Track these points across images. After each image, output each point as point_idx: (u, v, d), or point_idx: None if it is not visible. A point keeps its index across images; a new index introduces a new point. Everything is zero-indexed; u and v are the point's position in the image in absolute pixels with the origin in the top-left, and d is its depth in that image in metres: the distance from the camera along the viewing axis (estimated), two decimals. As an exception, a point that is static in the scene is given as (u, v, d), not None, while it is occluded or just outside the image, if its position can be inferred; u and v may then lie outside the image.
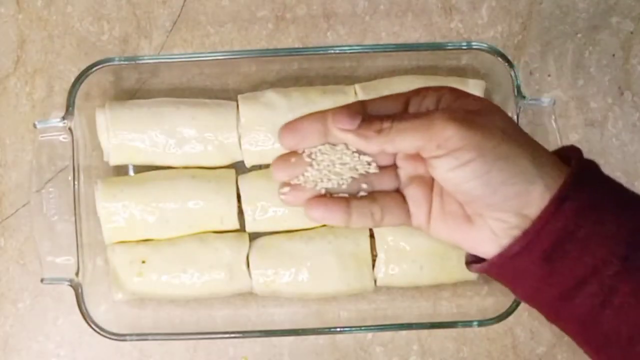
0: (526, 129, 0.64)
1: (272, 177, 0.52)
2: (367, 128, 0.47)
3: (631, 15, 0.73)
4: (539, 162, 0.46)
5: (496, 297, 0.70)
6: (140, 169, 0.70)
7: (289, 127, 0.49)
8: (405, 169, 0.51)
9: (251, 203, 0.67)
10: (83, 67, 0.65)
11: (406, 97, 0.49)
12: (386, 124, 0.46)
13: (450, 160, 0.45)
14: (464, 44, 0.65)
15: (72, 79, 0.65)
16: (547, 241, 0.45)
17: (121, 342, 0.69)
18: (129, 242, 0.68)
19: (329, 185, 0.50)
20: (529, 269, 0.46)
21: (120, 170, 0.71)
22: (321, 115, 0.49)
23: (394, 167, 0.52)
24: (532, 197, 0.45)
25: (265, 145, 0.66)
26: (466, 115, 0.45)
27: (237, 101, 0.67)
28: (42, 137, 0.65)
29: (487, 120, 0.46)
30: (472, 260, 0.50)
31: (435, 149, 0.45)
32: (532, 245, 0.45)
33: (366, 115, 0.48)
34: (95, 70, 0.65)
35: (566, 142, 0.70)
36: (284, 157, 0.51)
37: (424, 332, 0.72)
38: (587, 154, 0.48)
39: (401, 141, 0.46)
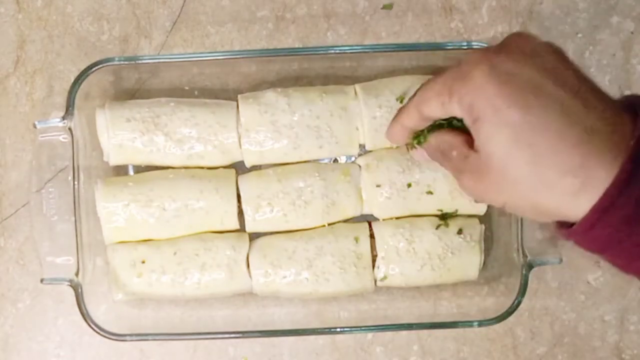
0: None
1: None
2: None
3: (631, 15, 0.73)
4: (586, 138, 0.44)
5: (496, 297, 0.70)
6: (140, 169, 0.70)
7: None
8: None
9: (251, 203, 0.67)
10: (83, 67, 0.65)
11: None
12: None
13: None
14: (464, 44, 0.65)
15: (72, 79, 0.65)
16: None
17: (121, 342, 0.69)
18: (129, 242, 0.68)
19: None
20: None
21: (120, 170, 0.71)
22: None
23: None
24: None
25: (265, 145, 0.66)
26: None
27: (237, 101, 0.67)
28: (42, 137, 0.65)
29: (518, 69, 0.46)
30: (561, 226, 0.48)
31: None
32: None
33: None
34: (95, 70, 0.65)
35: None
36: None
37: (424, 332, 0.72)
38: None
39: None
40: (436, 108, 0.51)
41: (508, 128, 0.45)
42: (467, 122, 0.49)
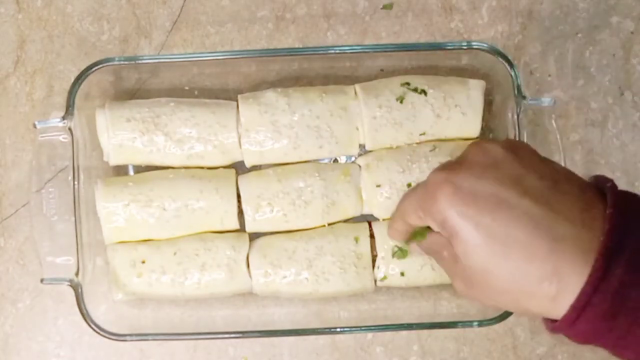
0: (526, 129, 0.64)
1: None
2: None
3: (631, 15, 0.73)
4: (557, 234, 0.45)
5: (496, 297, 0.70)
6: (140, 169, 0.70)
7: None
8: None
9: (251, 203, 0.67)
10: (83, 67, 0.65)
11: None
12: None
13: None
14: (464, 43, 0.65)
15: (72, 79, 0.65)
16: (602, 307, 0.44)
17: (121, 342, 0.69)
18: (129, 242, 0.68)
19: None
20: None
21: (120, 170, 0.71)
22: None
23: None
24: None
25: (265, 145, 0.66)
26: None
27: (237, 101, 0.67)
28: (42, 137, 0.65)
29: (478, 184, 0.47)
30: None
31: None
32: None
33: None
34: (95, 70, 0.65)
35: (566, 143, 0.70)
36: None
37: (424, 333, 0.72)
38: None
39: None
40: (417, 220, 0.53)
41: (480, 245, 0.46)
42: (445, 236, 0.50)
